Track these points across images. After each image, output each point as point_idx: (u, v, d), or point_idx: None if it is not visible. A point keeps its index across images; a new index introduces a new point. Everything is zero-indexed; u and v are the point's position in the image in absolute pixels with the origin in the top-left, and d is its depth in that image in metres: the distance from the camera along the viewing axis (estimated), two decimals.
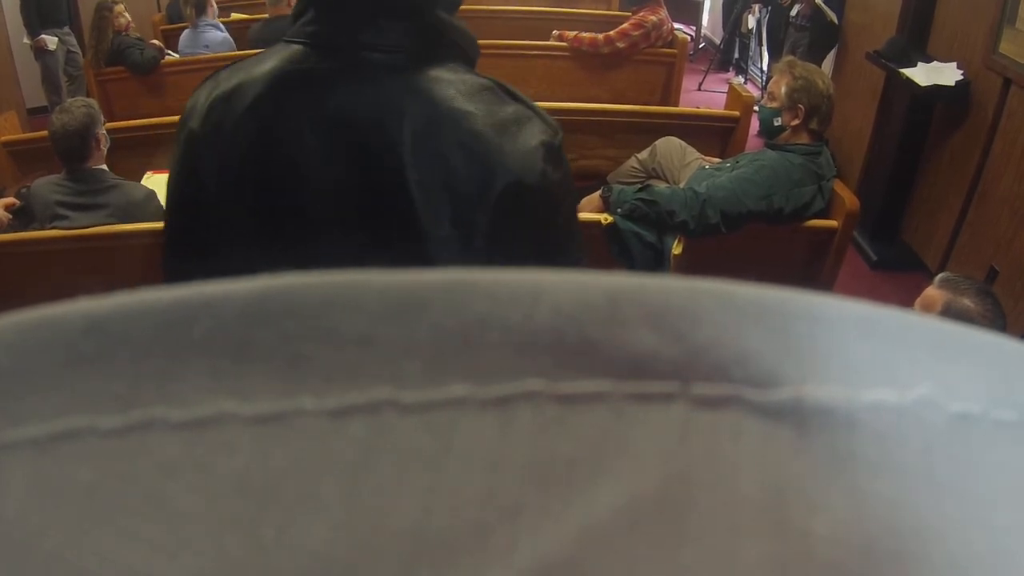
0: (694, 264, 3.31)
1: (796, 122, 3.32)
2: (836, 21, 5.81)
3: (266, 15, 5.80)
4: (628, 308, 0.20)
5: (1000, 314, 2.26)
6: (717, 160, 3.81)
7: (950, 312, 2.14)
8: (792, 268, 3.61)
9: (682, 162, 3.98)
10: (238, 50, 5.72)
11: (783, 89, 3.33)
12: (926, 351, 0.21)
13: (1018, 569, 0.18)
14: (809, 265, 3.50)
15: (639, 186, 3.27)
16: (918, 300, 2.28)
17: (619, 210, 3.26)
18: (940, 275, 2.30)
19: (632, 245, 3.35)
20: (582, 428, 0.19)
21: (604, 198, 3.29)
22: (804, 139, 3.33)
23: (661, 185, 3.71)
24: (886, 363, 0.21)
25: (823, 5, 5.88)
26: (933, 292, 2.24)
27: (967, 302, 2.18)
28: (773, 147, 3.40)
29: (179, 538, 0.17)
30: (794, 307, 0.21)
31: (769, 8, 7.30)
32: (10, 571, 0.17)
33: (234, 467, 0.18)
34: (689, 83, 6.79)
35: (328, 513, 0.17)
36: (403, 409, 0.19)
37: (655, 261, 3.40)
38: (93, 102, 3.39)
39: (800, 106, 3.28)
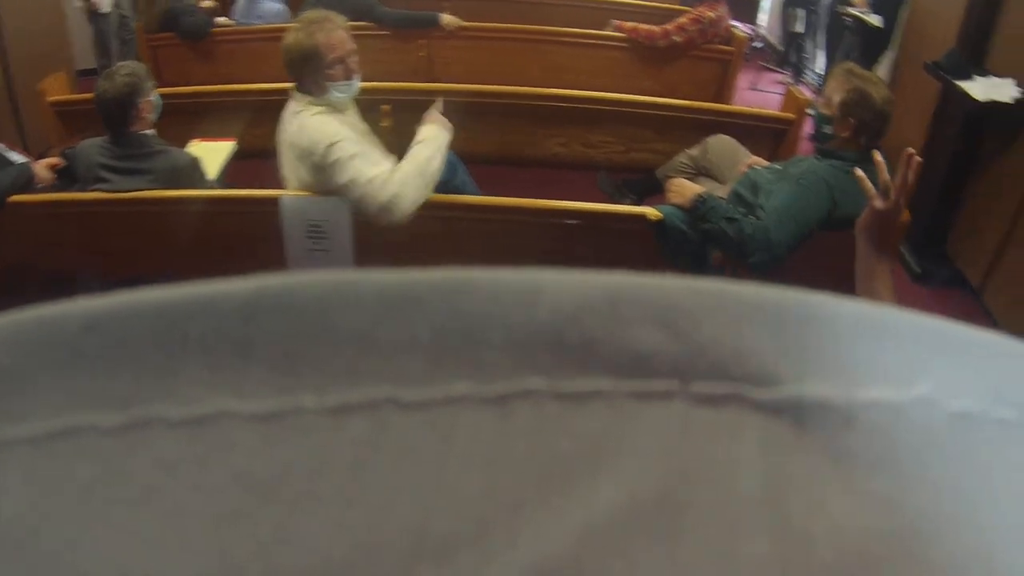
0: (734, 267, 3.28)
1: (846, 134, 3.25)
2: (879, 25, 5.73)
3: None
4: (628, 307, 0.21)
5: None
6: (766, 163, 3.75)
7: None
8: (836, 276, 3.56)
9: (735, 162, 3.94)
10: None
11: (836, 99, 3.25)
12: (926, 350, 0.22)
13: (1017, 567, 0.18)
14: (853, 274, 3.45)
15: (731, 212, 3.19)
16: None
17: (701, 224, 3.21)
18: None
19: (676, 244, 3.32)
20: (582, 426, 0.19)
21: (695, 204, 3.23)
22: (853, 148, 3.27)
23: (709, 184, 3.67)
24: (885, 361, 0.21)
25: (857, 13, 5.83)
26: None
27: None
28: (823, 153, 3.34)
29: (178, 536, 0.17)
30: (794, 306, 0.22)
31: (819, 10, 7.26)
32: (9, 569, 0.17)
33: (233, 465, 0.18)
34: (743, 82, 6.73)
35: (328, 510, 0.18)
36: (403, 407, 0.19)
37: (697, 262, 3.37)
38: (140, 68, 3.38)
39: (851, 119, 3.22)
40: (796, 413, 0.19)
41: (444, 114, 3.17)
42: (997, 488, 0.19)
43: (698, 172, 4.06)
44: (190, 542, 0.17)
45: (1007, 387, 0.21)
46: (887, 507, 0.18)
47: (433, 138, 3.10)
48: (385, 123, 3.73)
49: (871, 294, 1.88)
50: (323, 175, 3.06)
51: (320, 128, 3.05)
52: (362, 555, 0.17)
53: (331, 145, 3.01)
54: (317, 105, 3.10)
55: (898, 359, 0.21)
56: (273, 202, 3.22)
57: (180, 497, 0.18)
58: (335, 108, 3.14)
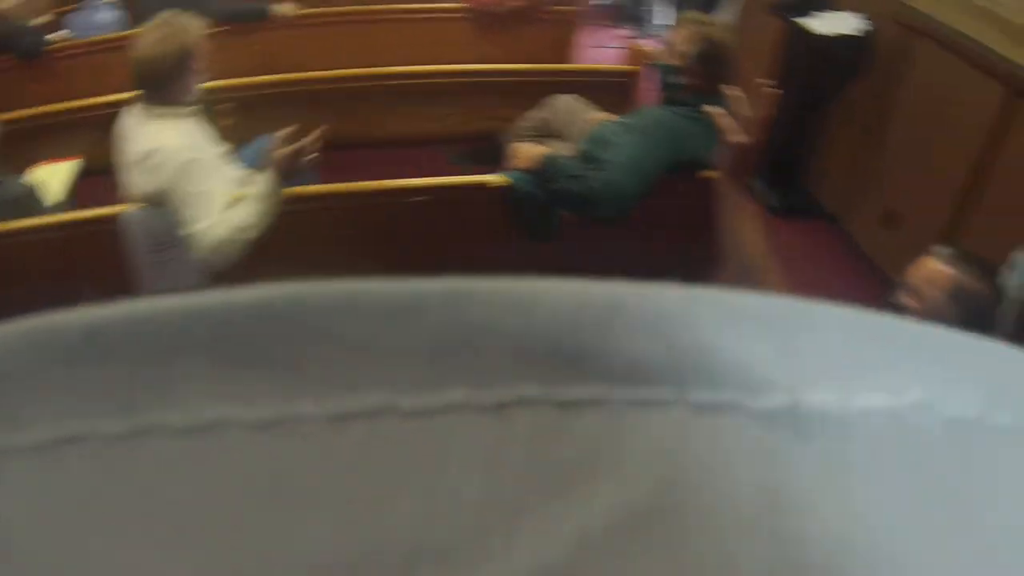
0: (585, 223, 3.34)
1: (698, 83, 3.33)
2: None
3: None
4: (625, 315, 0.21)
5: (999, 296, 2.14)
6: (612, 117, 3.80)
7: (959, 294, 2.05)
8: (688, 218, 3.64)
9: (580, 120, 3.97)
10: (133, 28, 5.59)
11: (687, 50, 3.33)
12: (921, 356, 0.22)
13: (1016, 573, 0.18)
14: (705, 214, 3.51)
15: (577, 170, 3.27)
16: (918, 273, 2.13)
17: (549, 184, 3.27)
18: (943, 249, 2.15)
19: (525, 207, 3.38)
20: (579, 433, 0.19)
21: (541, 166, 3.28)
22: (702, 94, 3.34)
23: (556, 145, 3.71)
24: (881, 368, 0.21)
25: None
26: (938, 267, 2.10)
27: (977, 284, 2.07)
28: (670, 102, 3.42)
29: (179, 544, 0.17)
30: (789, 313, 0.22)
31: None
32: None
33: (235, 472, 0.18)
34: (587, 40, 6.72)
35: (327, 518, 0.17)
36: (402, 414, 0.19)
37: (547, 222, 3.42)
38: None
39: (703, 68, 3.30)
40: (792, 420, 0.19)
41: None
42: (993, 493, 0.20)
43: (543, 134, 4.05)
44: (191, 550, 0.17)
45: (1002, 392, 0.22)
46: (883, 514, 0.18)
47: (262, 199, 3.02)
48: (227, 122, 3.69)
49: (738, 229, 1.89)
50: (169, 196, 2.99)
51: (176, 150, 2.98)
52: (360, 563, 0.17)
53: (185, 172, 2.95)
54: (171, 116, 3.02)
55: (893, 365, 0.21)
56: (116, 219, 3.16)
57: (182, 505, 0.18)
58: (189, 113, 3.08)
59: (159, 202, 3.04)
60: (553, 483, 0.18)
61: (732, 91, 2.01)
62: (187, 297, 0.21)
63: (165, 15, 3.05)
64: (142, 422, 0.19)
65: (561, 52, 5.79)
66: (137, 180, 3.06)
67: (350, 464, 0.18)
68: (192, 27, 3.02)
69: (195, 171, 2.95)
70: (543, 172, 3.26)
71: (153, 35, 2.98)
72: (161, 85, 2.99)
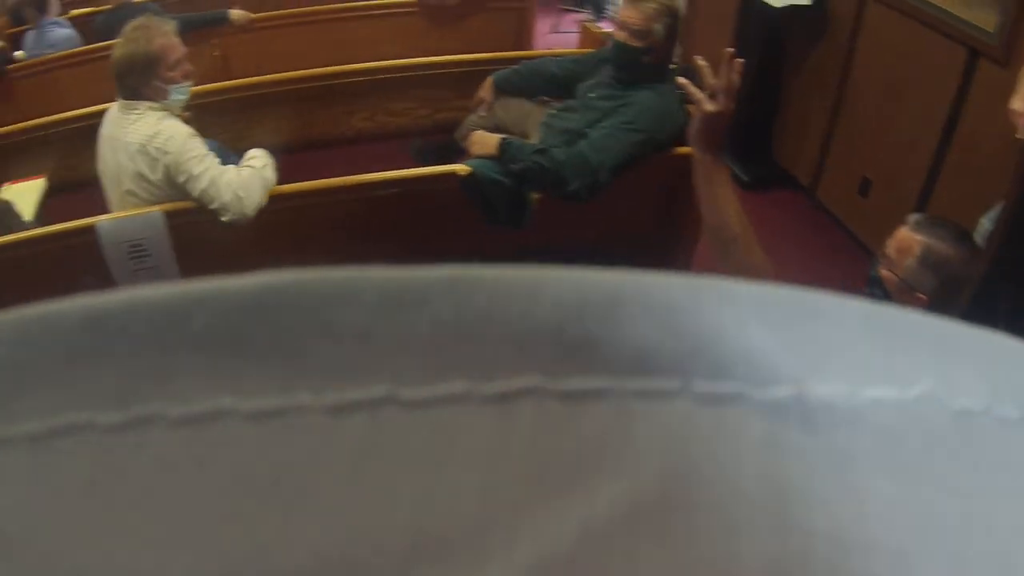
0: (555, 205, 3.36)
1: (660, 58, 3.37)
2: None
3: (108, 5, 5.65)
4: (630, 304, 0.20)
5: (977, 257, 2.13)
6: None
7: (929, 259, 2.06)
8: (658, 197, 3.69)
9: (521, 111, 4.02)
10: (87, 43, 5.57)
11: (656, 27, 3.33)
12: (928, 348, 0.22)
13: (1020, 567, 0.18)
14: (676, 192, 3.55)
15: (538, 146, 3.27)
16: (892, 243, 2.15)
17: (512, 165, 3.27)
18: (914, 217, 2.17)
19: (492, 194, 3.37)
20: (583, 425, 0.19)
21: (502, 148, 3.29)
22: (665, 64, 3.41)
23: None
24: (888, 360, 0.21)
25: None
26: (908, 235, 2.12)
27: (946, 248, 2.07)
28: (643, 85, 3.41)
29: (177, 535, 0.17)
30: (796, 304, 0.22)
31: None
32: (7, 568, 0.17)
33: (233, 464, 0.18)
34: (544, 27, 6.79)
35: (326, 510, 0.17)
36: (403, 405, 0.19)
37: (517, 208, 3.42)
38: None
39: (669, 42, 3.35)
40: (798, 412, 0.19)
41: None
42: (999, 486, 0.20)
43: (493, 128, 4.00)
44: (189, 542, 0.17)
45: (1008, 385, 0.21)
46: (889, 506, 0.18)
47: (263, 155, 3.27)
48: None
49: (713, 199, 1.84)
50: (176, 174, 3.08)
51: (176, 127, 3.09)
52: (360, 555, 0.17)
53: (188, 143, 3.07)
54: (157, 111, 3.11)
55: (900, 357, 0.21)
56: (91, 231, 3.17)
57: (179, 496, 0.18)
58: (172, 112, 3.16)
59: (161, 192, 3.15)
60: (556, 476, 0.18)
61: (698, 60, 2.02)
62: (185, 286, 0.21)
63: (139, 20, 3.15)
64: (139, 413, 0.19)
65: (518, 40, 5.80)
66: (135, 176, 3.13)
67: (349, 456, 0.18)
68: (160, 30, 3.09)
69: (198, 144, 3.10)
70: (505, 153, 3.27)
71: (124, 39, 3.09)
72: (138, 86, 3.08)
